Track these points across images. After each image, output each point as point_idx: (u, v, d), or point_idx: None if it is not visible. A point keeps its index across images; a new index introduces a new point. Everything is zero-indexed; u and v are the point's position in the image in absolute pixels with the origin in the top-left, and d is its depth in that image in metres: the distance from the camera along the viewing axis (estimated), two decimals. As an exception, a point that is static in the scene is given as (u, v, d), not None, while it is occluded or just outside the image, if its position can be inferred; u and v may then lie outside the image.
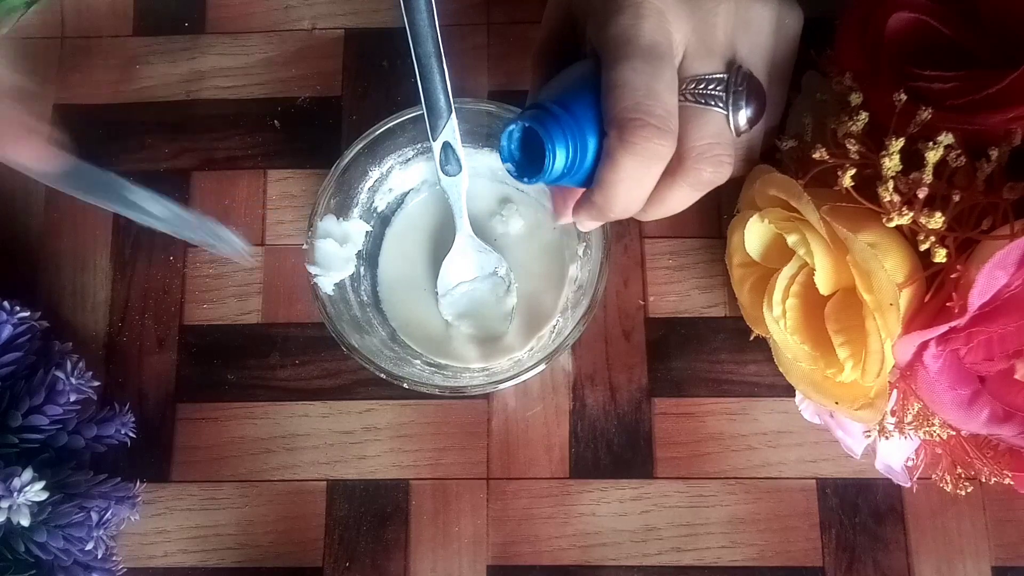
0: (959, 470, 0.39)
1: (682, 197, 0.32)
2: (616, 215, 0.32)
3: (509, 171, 0.32)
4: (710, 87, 0.32)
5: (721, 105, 0.32)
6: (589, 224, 0.33)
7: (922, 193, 0.32)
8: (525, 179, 0.31)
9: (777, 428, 0.44)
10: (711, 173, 0.31)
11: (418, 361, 0.44)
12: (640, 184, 0.30)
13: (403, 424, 0.45)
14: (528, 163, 0.31)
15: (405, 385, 0.39)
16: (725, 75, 0.32)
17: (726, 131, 0.32)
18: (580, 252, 0.43)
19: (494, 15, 0.49)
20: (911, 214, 0.31)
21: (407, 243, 0.46)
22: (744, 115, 0.33)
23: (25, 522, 0.35)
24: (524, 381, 0.39)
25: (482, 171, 0.44)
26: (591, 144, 0.30)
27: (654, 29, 0.30)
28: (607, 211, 0.31)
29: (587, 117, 0.30)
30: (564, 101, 0.30)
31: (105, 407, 0.42)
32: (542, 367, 0.38)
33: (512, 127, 0.31)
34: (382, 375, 0.39)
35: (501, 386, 0.39)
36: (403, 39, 0.35)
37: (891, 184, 0.32)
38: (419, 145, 0.43)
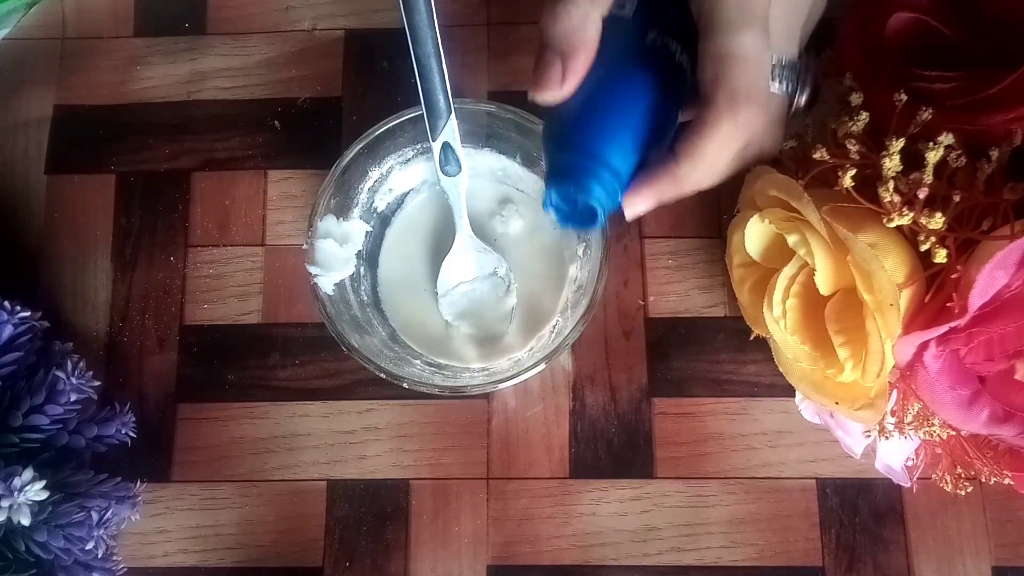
0: (959, 470, 0.39)
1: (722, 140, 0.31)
2: (688, 190, 0.31)
3: (562, 222, 0.33)
4: (784, 71, 0.33)
5: (790, 87, 0.33)
6: (645, 207, 0.32)
7: (922, 193, 0.32)
8: (578, 226, 0.33)
9: (777, 428, 0.44)
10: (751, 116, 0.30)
11: (418, 361, 0.44)
12: (729, 153, 0.31)
13: (403, 424, 0.45)
14: (574, 206, 0.32)
15: (405, 385, 0.39)
16: (798, 60, 0.34)
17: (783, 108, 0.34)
18: (580, 252, 0.43)
19: (494, 15, 0.49)
20: (911, 214, 0.31)
21: (407, 243, 0.46)
22: (804, 98, 0.34)
23: (26, 521, 0.35)
24: (524, 381, 0.39)
25: (482, 171, 0.44)
26: (628, 166, 0.31)
27: (763, 4, 0.30)
28: (687, 184, 0.31)
29: (621, 146, 0.31)
30: (590, 142, 0.31)
31: (106, 407, 0.42)
32: (542, 367, 0.38)
33: (551, 195, 0.32)
34: (382, 375, 0.39)
35: (501, 386, 0.39)
36: (403, 39, 0.35)
37: (891, 184, 0.32)
38: (419, 145, 0.43)
